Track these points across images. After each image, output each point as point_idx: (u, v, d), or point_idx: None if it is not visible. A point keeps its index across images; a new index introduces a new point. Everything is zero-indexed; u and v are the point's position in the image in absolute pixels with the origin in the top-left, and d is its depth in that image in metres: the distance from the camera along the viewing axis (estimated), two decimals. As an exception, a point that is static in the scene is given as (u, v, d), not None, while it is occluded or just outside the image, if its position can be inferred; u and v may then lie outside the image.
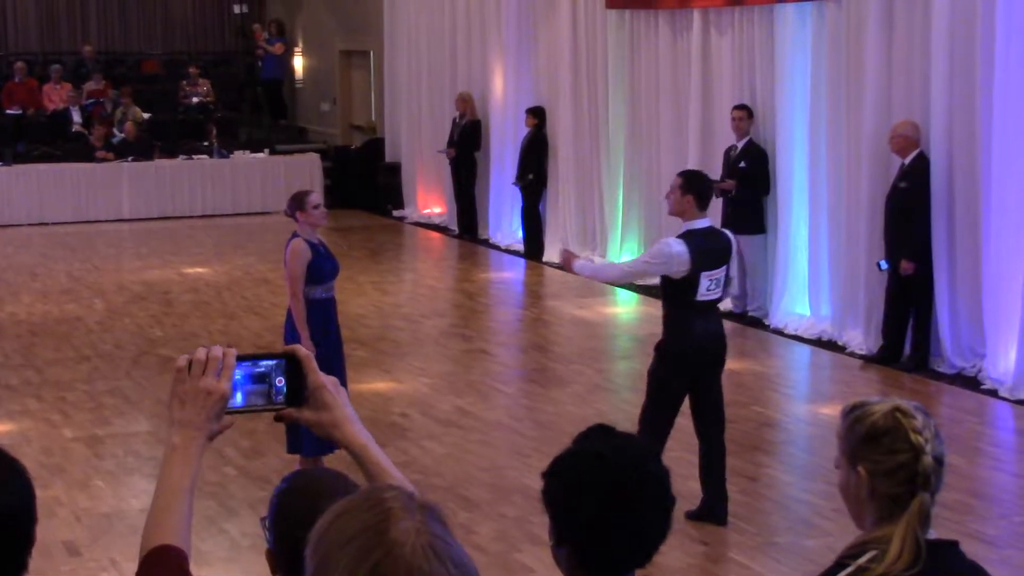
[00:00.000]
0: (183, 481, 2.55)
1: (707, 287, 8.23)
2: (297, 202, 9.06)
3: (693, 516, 8.27)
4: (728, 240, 8.45)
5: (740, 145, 14.14)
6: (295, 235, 9.02)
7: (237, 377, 2.62)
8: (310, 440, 8.68)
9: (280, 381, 2.66)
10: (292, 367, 2.66)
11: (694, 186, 8.32)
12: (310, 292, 8.94)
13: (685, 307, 8.28)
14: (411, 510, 1.92)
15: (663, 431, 8.33)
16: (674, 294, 8.33)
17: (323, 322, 8.98)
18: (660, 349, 8.49)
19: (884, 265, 12.14)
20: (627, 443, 2.73)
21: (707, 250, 8.21)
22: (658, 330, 13.51)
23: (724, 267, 8.31)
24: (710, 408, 8.55)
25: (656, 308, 15.02)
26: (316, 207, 9.01)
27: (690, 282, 8.18)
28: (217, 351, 2.59)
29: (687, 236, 8.22)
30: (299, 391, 2.67)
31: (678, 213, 8.43)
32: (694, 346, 8.32)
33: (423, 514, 1.92)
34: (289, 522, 3.01)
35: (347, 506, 1.96)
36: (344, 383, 8.88)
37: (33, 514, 2.48)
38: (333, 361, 8.90)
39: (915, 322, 12.12)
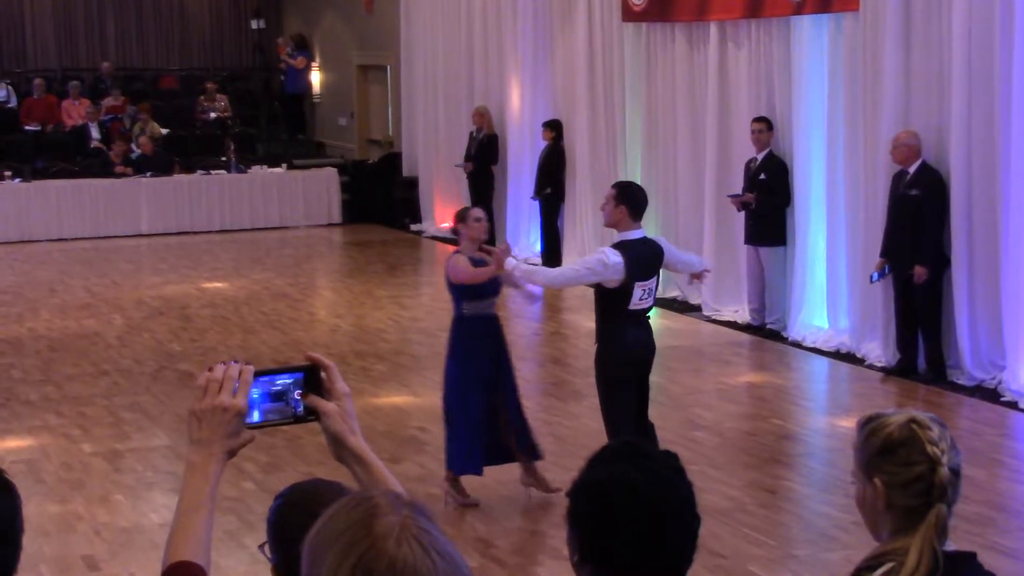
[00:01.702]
0: (201, 498, 2.60)
1: (640, 296, 8.42)
2: (460, 217, 9.20)
3: None
4: (660, 249, 8.61)
5: (760, 157, 14.13)
6: (456, 252, 9.10)
7: (255, 395, 2.64)
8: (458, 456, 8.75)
9: (298, 395, 2.68)
10: (311, 378, 2.69)
11: (627, 197, 8.50)
12: (472, 308, 9.00)
13: (618, 317, 8.46)
14: (397, 507, 1.96)
15: (630, 423, 8.47)
16: (608, 304, 8.50)
17: (489, 339, 9.08)
18: (598, 361, 8.63)
19: (876, 277, 12.15)
20: (658, 465, 2.69)
21: (641, 260, 8.38)
22: (675, 342, 13.52)
23: (655, 276, 8.53)
24: (641, 415, 8.71)
25: (672, 321, 15.11)
26: (478, 220, 9.12)
27: (624, 292, 8.34)
28: (234, 369, 2.61)
29: (622, 246, 8.38)
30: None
31: (612, 224, 8.59)
32: (627, 355, 8.51)
33: (409, 510, 1.96)
34: (291, 536, 3.01)
35: (337, 507, 2.01)
36: (518, 400, 8.84)
37: (18, 522, 2.58)
38: (507, 379, 9.07)
39: (925, 333, 12.10)
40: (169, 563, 2.54)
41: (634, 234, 8.44)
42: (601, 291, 8.48)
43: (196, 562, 2.54)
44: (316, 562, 1.92)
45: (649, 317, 8.70)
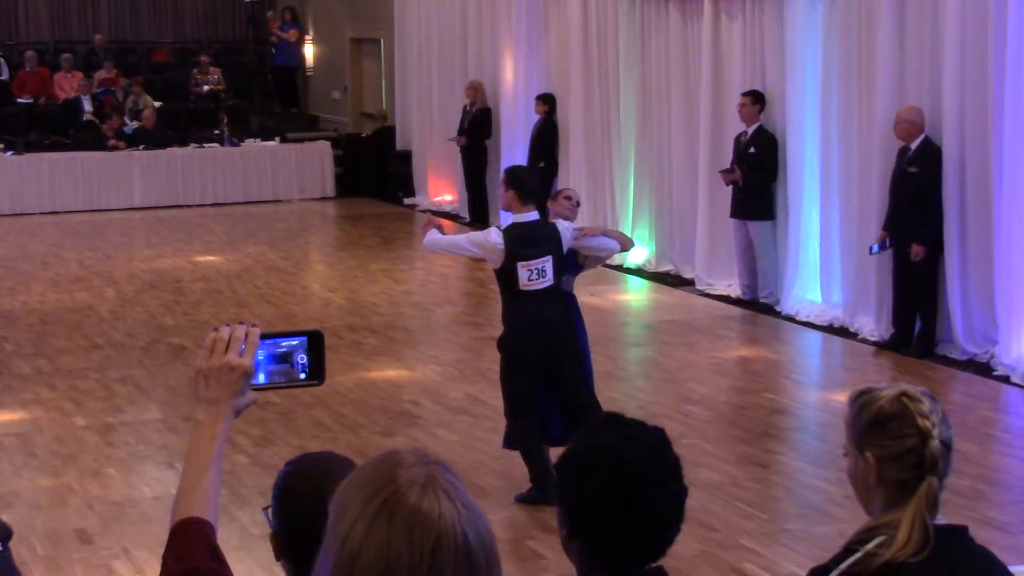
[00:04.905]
0: (209, 456, 2.65)
1: (528, 277, 8.54)
2: (552, 195, 9.33)
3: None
4: (554, 231, 8.66)
5: (750, 131, 14.13)
6: None
7: (260, 357, 2.67)
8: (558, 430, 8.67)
9: (302, 358, 2.72)
10: (315, 344, 2.72)
11: (515, 181, 8.68)
12: (567, 284, 8.99)
13: (513, 296, 8.63)
14: (423, 461, 1.99)
15: (526, 408, 8.63)
16: (503, 285, 8.69)
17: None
18: (498, 342, 8.85)
19: (875, 249, 12.15)
20: (641, 434, 2.71)
21: (525, 240, 8.51)
22: (669, 316, 13.58)
23: (548, 257, 8.56)
24: (571, 401, 8.67)
25: (665, 295, 15.13)
26: (568, 199, 9.16)
27: (508, 271, 8.53)
28: (240, 330, 2.63)
29: (509, 228, 8.61)
30: (320, 367, 2.73)
31: (505, 207, 8.87)
32: (522, 334, 8.62)
33: (435, 464, 1.99)
34: (296, 503, 3.02)
35: (363, 464, 2.05)
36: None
37: None
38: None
39: (921, 308, 12.11)
40: (178, 519, 2.57)
41: (526, 216, 8.60)
42: (496, 272, 8.68)
43: (204, 518, 2.57)
44: (341, 513, 1.95)
45: (558, 298, 8.70)
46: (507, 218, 8.99)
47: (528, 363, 8.60)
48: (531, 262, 8.49)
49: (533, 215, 8.62)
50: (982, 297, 11.77)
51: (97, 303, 14.94)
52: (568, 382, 8.66)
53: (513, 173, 8.88)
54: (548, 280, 8.57)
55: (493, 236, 8.56)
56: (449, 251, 9.17)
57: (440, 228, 8.99)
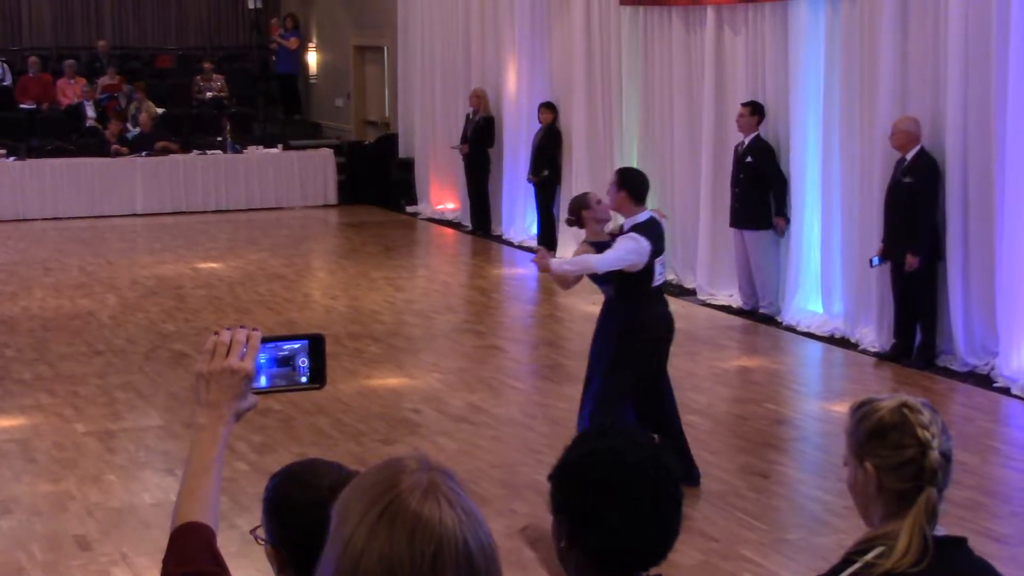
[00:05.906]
0: (210, 460, 2.65)
1: (659, 272, 8.67)
2: (582, 204, 8.97)
3: None
4: (662, 227, 8.81)
5: (747, 141, 14.16)
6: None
7: (262, 360, 2.67)
8: None
9: (303, 362, 2.72)
10: (316, 348, 2.72)
11: (627, 181, 8.70)
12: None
13: (640, 294, 8.62)
14: (426, 467, 1.99)
15: (625, 400, 8.62)
16: (631, 286, 8.61)
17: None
18: (619, 338, 8.63)
19: (876, 262, 12.15)
20: (638, 438, 2.71)
21: (657, 238, 8.59)
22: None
23: (664, 252, 8.77)
24: (665, 391, 8.85)
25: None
26: (599, 202, 8.98)
27: (648, 271, 8.54)
28: (241, 334, 2.63)
29: (641, 227, 8.55)
30: (321, 371, 2.73)
31: (616, 209, 8.80)
32: (653, 330, 8.68)
33: (437, 471, 2.00)
34: (293, 507, 3.00)
35: (366, 470, 2.05)
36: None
37: None
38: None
39: (922, 319, 12.11)
40: (178, 524, 2.58)
41: (643, 216, 8.63)
42: (622, 276, 8.57)
43: (204, 522, 2.58)
44: (343, 518, 1.95)
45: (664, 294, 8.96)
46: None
47: (649, 358, 8.69)
48: (661, 257, 8.65)
49: (647, 214, 8.67)
50: (983, 309, 11.77)
51: (98, 309, 14.94)
52: (668, 379, 8.89)
53: (625, 174, 8.89)
54: (665, 275, 8.82)
55: (641, 240, 8.44)
56: (610, 267, 8.55)
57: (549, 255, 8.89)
